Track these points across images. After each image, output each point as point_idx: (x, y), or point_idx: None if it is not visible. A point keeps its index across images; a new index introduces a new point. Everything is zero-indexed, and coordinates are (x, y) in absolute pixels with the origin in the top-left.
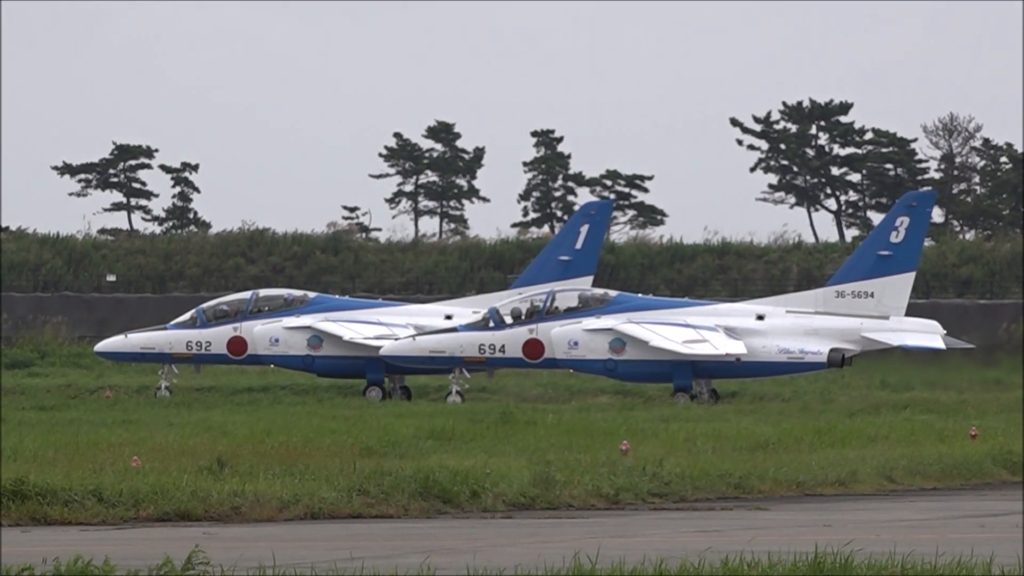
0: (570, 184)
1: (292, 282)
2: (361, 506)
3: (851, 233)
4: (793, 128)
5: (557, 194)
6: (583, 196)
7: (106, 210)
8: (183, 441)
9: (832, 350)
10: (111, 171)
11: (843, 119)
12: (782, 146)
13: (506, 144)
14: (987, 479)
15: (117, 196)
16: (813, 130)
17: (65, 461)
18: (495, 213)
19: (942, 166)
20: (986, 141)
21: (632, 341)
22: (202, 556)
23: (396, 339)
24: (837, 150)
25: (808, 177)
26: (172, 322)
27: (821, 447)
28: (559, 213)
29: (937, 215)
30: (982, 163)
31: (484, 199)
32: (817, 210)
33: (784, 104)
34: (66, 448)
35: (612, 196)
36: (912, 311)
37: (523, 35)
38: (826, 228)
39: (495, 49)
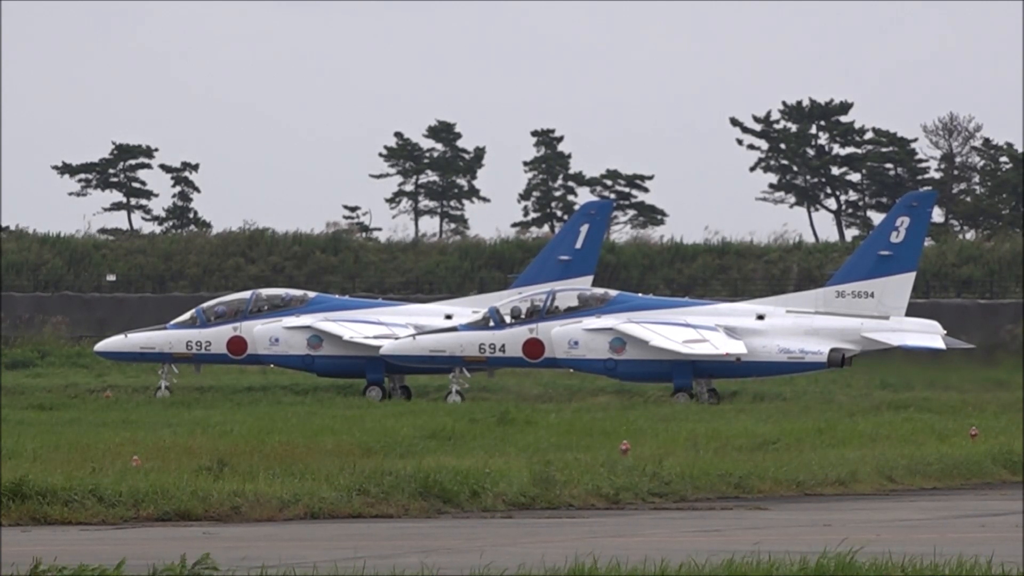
0: (570, 184)
1: (292, 282)
2: (361, 506)
3: (851, 233)
4: (793, 128)
5: (557, 194)
6: (583, 196)
7: (106, 210)
8: (183, 441)
9: (832, 350)
10: (111, 171)
11: (843, 119)
12: (782, 146)
13: (506, 144)
14: (987, 479)
15: (117, 196)
16: (813, 130)
17: (65, 461)
18: (495, 213)
19: (942, 166)
20: (986, 141)
21: (632, 341)
22: (209, 562)
23: (396, 339)
24: (837, 150)
25: (808, 177)
26: (172, 322)
27: (821, 447)
28: (559, 213)
29: (937, 215)
30: (982, 163)
31: (484, 199)
32: (817, 210)
33: (784, 104)
34: (66, 448)
35: (612, 196)
36: (912, 311)
37: (523, 35)
38: (826, 228)
39: (495, 49)
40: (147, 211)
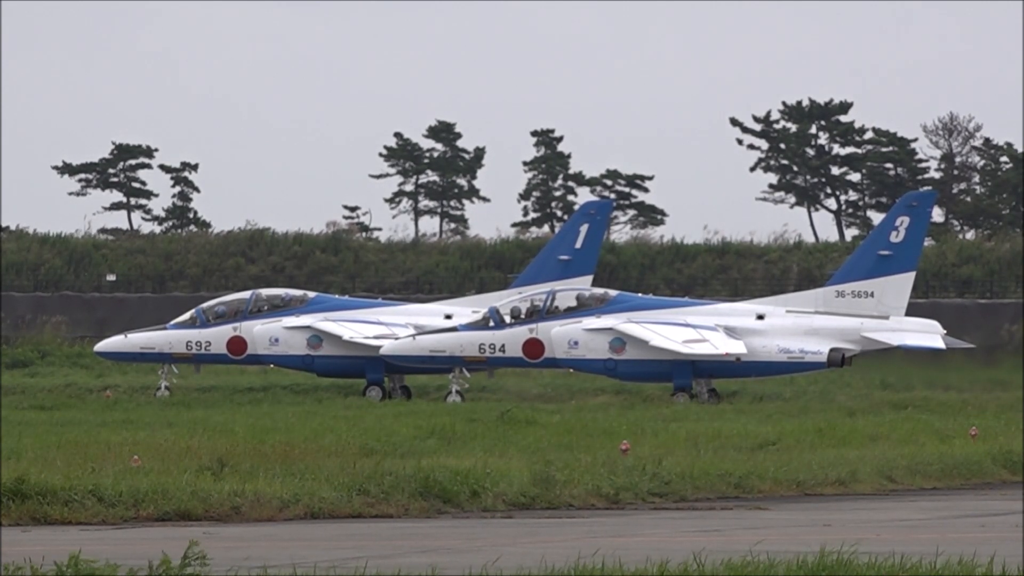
0: (570, 184)
1: (292, 282)
2: (361, 506)
3: (851, 233)
4: (793, 128)
5: (557, 194)
6: (583, 196)
7: (106, 209)
8: (183, 441)
9: (832, 350)
10: (111, 171)
11: (843, 119)
12: (782, 146)
13: (506, 144)
14: (987, 479)
15: (117, 196)
16: (813, 130)
17: (65, 461)
18: (495, 213)
19: (942, 166)
20: (986, 140)
21: (632, 341)
22: (197, 551)
23: (396, 339)
24: (837, 150)
25: (808, 177)
26: (172, 322)
27: (821, 447)
28: (559, 213)
29: (937, 215)
30: (982, 163)
31: (484, 199)
32: (817, 210)
33: (784, 104)
34: (66, 448)
35: (612, 196)
36: (912, 311)
37: (523, 35)
38: (826, 228)
39: (495, 49)
40: (147, 211)
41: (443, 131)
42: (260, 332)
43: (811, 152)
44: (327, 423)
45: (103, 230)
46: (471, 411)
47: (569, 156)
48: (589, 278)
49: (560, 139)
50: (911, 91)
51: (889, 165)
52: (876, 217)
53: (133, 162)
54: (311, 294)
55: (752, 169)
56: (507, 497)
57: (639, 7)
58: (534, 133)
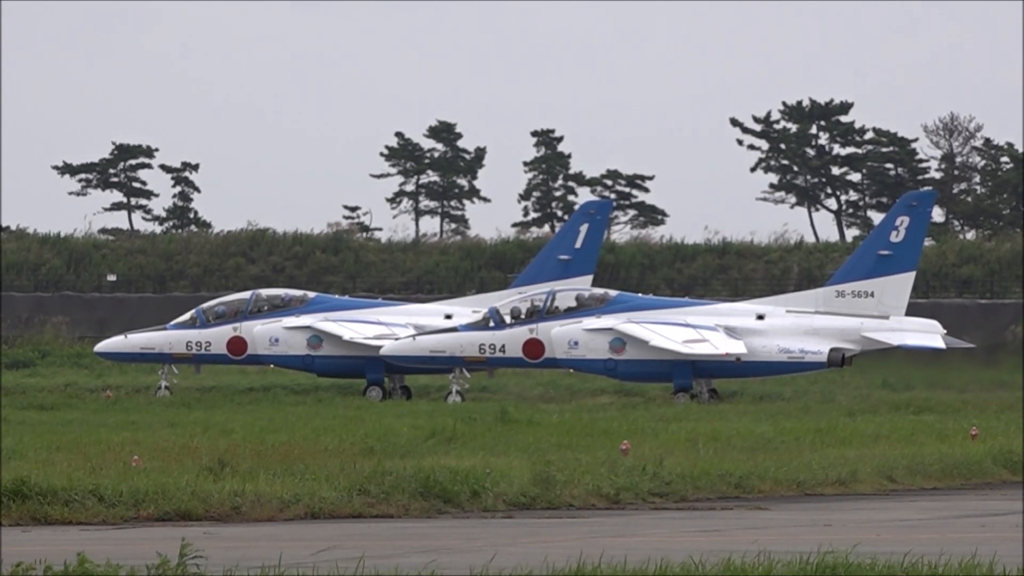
0: (570, 184)
1: (293, 282)
2: (361, 506)
3: (851, 233)
4: (793, 128)
5: (557, 194)
6: (583, 196)
7: (106, 210)
8: (183, 441)
9: (832, 350)
10: (111, 171)
11: (843, 119)
12: (782, 146)
13: (507, 144)
14: (987, 479)
15: (117, 196)
16: (813, 130)
17: (65, 461)
18: (496, 213)
19: (943, 166)
20: (987, 141)
21: (632, 341)
22: (193, 551)
23: (396, 339)
24: (837, 150)
25: (808, 177)
26: (172, 322)
27: (821, 447)
28: (559, 213)
29: (937, 215)
30: (982, 163)
31: (485, 199)
32: (817, 210)
33: (784, 104)
34: (66, 448)
35: (612, 196)
36: (912, 311)
37: (523, 35)
38: (826, 228)
39: (496, 49)
40: (147, 211)
41: (444, 131)
42: (260, 332)
43: (811, 152)
44: (327, 423)
45: (103, 230)
46: (471, 411)
47: (569, 156)
48: (589, 278)
49: (560, 139)
50: (911, 91)
51: (889, 165)
52: (876, 217)
53: (133, 162)
54: (311, 294)
55: (752, 169)
56: (507, 497)
57: (639, 7)
58: (534, 133)
